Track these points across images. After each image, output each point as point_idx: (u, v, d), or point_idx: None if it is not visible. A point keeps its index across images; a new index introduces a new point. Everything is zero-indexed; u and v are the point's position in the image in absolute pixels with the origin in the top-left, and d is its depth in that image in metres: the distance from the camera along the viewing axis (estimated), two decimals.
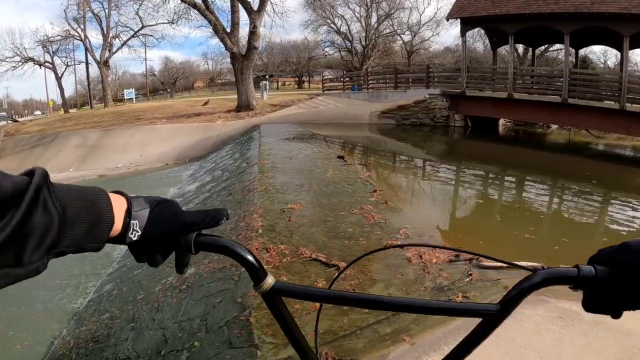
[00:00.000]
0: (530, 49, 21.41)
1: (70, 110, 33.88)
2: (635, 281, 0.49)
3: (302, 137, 12.55)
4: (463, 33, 16.98)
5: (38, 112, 47.09)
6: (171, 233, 0.56)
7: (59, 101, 37.73)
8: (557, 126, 17.51)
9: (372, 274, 3.35)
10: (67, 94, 47.35)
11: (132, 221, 0.52)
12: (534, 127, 18.15)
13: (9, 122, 24.66)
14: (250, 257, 0.57)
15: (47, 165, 11.33)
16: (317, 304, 0.84)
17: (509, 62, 15.95)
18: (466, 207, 6.92)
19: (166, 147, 16.67)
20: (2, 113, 34.20)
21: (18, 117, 36.41)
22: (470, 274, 3.28)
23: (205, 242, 0.58)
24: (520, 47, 28.77)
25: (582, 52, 22.53)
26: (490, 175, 9.53)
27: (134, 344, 3.38)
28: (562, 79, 13.39)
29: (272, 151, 9.73)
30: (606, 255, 0.52)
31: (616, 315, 0.51)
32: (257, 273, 0.57)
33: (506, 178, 9.41)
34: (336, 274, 0.88)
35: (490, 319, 0.53)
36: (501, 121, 17.88)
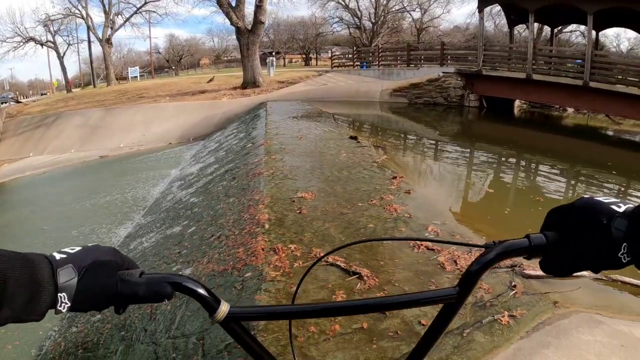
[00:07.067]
0: (549, 28, 20.17)
1: (74, 90, 33.23)
2: (583, 241, 0.47)
3: (311, 115, 11.88)
4: (481, 9, 16.13)
5: (44, 92, 46.19)
6: (103, 304, 0.51)
7: (63, 81, 37.01)
8: (573, 110, 16.64)
9: (400, 284, 2.82)
10: (71, 74, 46.62)
11: (59, 294, 0.47)
12: (550, 110, 17.23)
13: (12, 103, 24.19)
14: (200, 290, 0.53)
15: (48, 147, 10.76)
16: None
17: (529, 41, 14.99)
18: (498, 197, 6.07)
19: (169, 126, 16.18)
20: (5, 94, 33.60)
21: (23, 98, 35.81)
22: (514, 286, 2.83)
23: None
24: (535, 27, 27.17)
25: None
26: (524, 163, 8.62)
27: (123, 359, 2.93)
28: (584, 61, 12.47)
29: (280, 130, 9.12)
30: (554, 219, 0.51)
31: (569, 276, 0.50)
32: (209, 303, 0.53)
33: (546, 166, 8.35)
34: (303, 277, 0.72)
35: (452, 303, 0.51)
36: (516, 102, 17.07)
